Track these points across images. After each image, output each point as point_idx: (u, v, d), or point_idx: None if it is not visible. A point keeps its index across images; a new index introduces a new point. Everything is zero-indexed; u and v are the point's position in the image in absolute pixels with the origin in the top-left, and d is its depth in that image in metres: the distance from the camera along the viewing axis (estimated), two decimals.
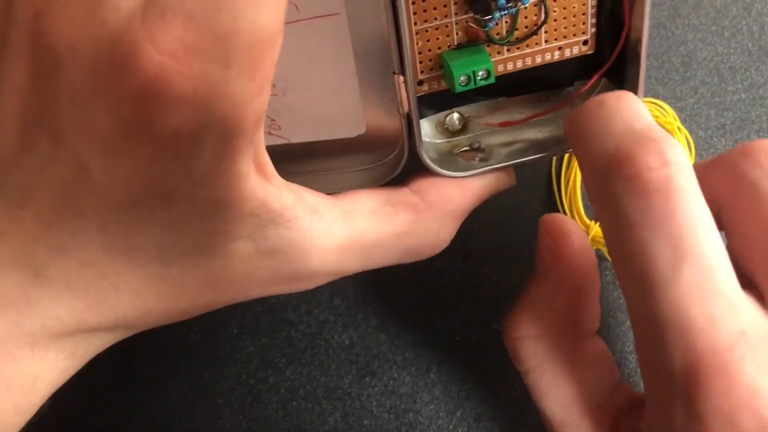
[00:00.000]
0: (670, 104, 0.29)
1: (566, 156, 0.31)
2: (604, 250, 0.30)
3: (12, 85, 0.18)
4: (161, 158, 0.18)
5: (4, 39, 0.18)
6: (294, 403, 0.29)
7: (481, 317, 0.28)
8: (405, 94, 0.24)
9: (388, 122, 0.26)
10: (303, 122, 0.26)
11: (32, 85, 0.18)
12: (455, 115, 0.27)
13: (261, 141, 0.20)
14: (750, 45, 0.29)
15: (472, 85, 0.24)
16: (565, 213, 0.31)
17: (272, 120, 0.26)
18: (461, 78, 0.24)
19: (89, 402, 0.29)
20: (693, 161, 0.28)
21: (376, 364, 0.29)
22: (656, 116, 0.30)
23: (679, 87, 0.30)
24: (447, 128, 0.27)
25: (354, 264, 0.24)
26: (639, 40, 0.24)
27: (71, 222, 0.19)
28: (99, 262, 0.20)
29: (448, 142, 0.27)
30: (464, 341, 0.29)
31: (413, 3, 0.24)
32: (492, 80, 0.25)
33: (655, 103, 0.30)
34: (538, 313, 0.26)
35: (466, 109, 0.27)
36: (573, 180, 0.31)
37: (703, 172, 0.23)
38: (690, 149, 0.28)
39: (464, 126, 0.27)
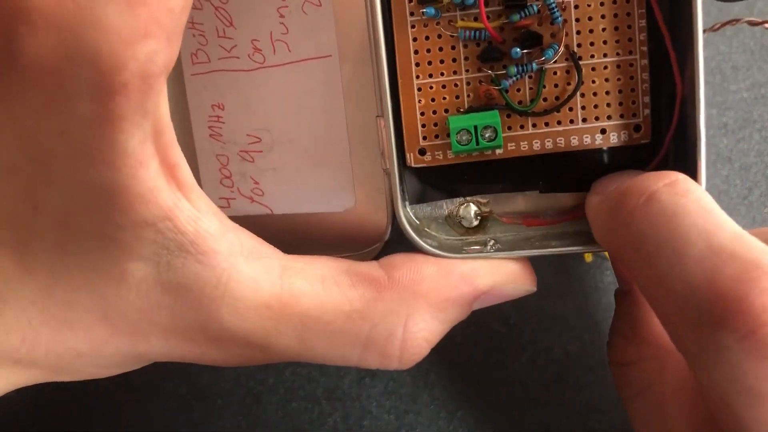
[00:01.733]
0: None
1: None
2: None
3: None
4: (33, 103, 0.15)
5: None
6: (294, 404, 0.29)
7: (482, 318, 0.26)
8: (385, 141, 0.20)
9: (381, 202, 0.22)
10: (287, 187, 0.23)
11: None
12: (472, 208, 0.22)
13: (167, 132, 0.17)
14: (752, 44, 0.29)
15: (473, 146, 0.20)
16: None
17: (255, 183, 0.23)
18: (460, 134, 0.20)
19: (88, 403, 0.29)
20: None
21: None
22: None
23: None
24: (460, 223, 0.22)
25: (286, 341, 0.19)
26: (694, 109, 0.19)
27: None
28: None
29: (459, 240, 0.22)
30: (465, 342, 0.28)
31: (416, 53, 0.21)
32: (499, 143, 0.20)
33: None
34: (636, 336, 0.22)
35: (484, 201, 0.22)
36: None
37: None
38: None
39: (481, 223, 0.22)
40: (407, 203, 0.21)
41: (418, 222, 0.22)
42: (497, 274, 0.20)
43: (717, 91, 0.29)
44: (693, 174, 0.19)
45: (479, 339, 0.27)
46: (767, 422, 0.16)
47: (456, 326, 0.20)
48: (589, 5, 0.20)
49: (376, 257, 0.20)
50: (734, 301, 0.15)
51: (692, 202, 0.17)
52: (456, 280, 0.19)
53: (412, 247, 0.21)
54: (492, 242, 0.21)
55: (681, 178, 0.18)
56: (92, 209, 0.16)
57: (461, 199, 0.22)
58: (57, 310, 0.18)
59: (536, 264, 0.21)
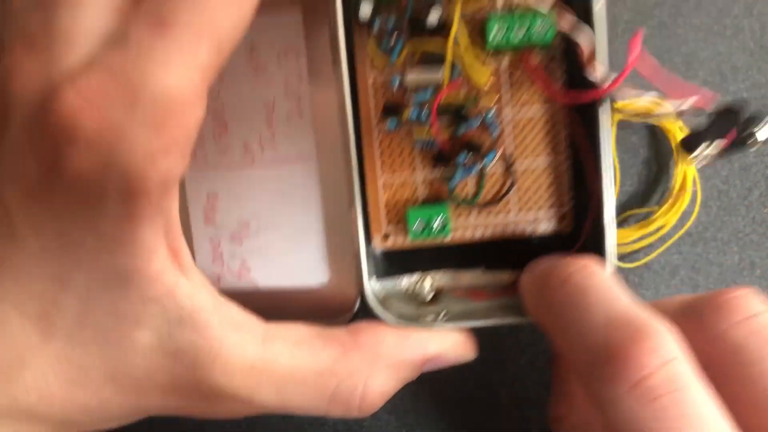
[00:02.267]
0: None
1: None
2: None
3: None
4: (70, 206, 0.19)
5: None
6: None
7: None
8: (355, 227, 0.24)
9: (351, 278, 0.26)
10: (271, 266, 0.26)
11: None
12: (427, 284, 0.26)
13: (175, 225, 0.21)
14: (752, 44, 0.29)
15: (427, 234, 0.24)
16: None
17: (243, 262, 0.27)
18: (416, 224, 0.24)
19: None
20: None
21: None
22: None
23: None
24: (417, 296, 0.26)
25: (267, 396, 0.22)
26: (601, 207, 0.23)
27: None
28: (12, 324, 0.20)
29: (416, 311, 0.26)
30: None
31: (381, 153, 0.25)
32: (447, 232, 0.24)
33: (658, 103, 0.28)
34: (565, 392, 0.26)
35: (437, 277, 0.26)
36: None
37: (684, 329, 0.21)
38: None
39: (435, 297, 0.26)
40: (373, 279, 0.25)
41: (382, 296, 0.25)
42: (444, 342, 0.23)
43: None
44: (603, 258, 0.23)
45: (480, 339, 0.27)
46: None
47: None
48: (520, 119, 0.25)
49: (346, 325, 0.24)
50: (623, 360, 0.19)
51: (598, 282, 0.22)
52: (410, 346, 0.23)
53: (377, 316, 0.24)
54: (444, 312, 0.25)
55: (591, 263, 0.22)
56: (110, 289, 0.20)
57: (418, 275, 0.26)
58: (71, 373, 0.21)
59: None
